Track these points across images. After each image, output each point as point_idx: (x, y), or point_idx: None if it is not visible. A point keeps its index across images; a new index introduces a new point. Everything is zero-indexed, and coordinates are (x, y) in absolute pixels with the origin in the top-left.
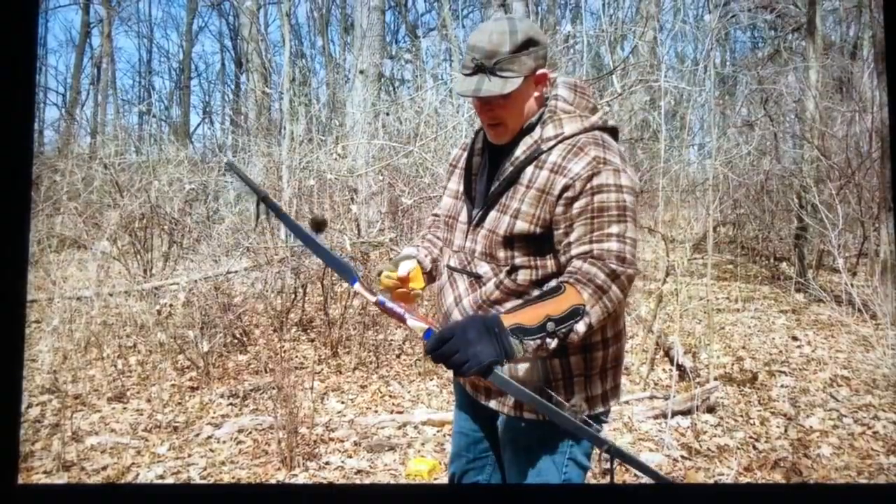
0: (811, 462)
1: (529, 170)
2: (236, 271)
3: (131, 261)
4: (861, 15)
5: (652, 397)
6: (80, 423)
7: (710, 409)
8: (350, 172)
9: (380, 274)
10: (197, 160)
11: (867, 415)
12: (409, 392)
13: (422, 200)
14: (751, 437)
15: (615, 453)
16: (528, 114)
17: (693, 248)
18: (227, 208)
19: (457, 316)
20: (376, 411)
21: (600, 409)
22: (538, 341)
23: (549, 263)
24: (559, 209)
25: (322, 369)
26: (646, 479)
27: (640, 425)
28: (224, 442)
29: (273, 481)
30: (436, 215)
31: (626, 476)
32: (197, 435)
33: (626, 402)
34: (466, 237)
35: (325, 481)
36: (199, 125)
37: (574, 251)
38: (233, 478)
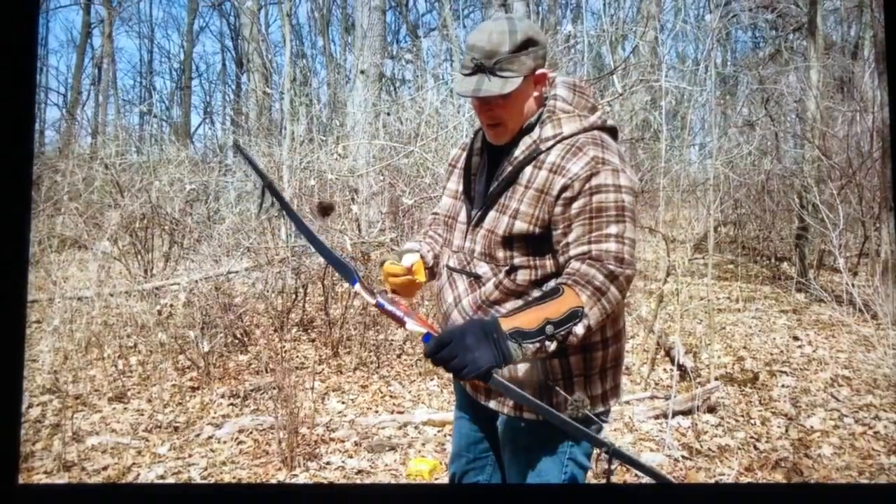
0: (812, 462)
1: (528, 170)
2: (237, 271)
3: (132, 261)
4: (862, 15)
5: (653, 397)
6: (81, 423)
7: (711, 409)
8: (351, 172)
9: (383, 264)
10: (198, 160)
11: (868, 415)
12: (409, 392)
13: (422, 200)
14: (752, 437)
15: (615, 454)
16: (527, 114)
17: (694, 248)
18: (228, 208)
19: (456, 316)
20: (377, 411)
21: (600, 409)
22: (537, 344)
23: (549, 263)
24: (558, 209)
25: (323, 369)
26: (646, 479)
27: (641, 425)
28: (225, 442)
29: (274, 481)
30: (436, 213)
31: (626, 476)
32: (197, 435)
33: (627, 402)
34: (466, 237)
35: (325, 481)
36: (199, 125)
37: (572, 252)
38: (233, 478)
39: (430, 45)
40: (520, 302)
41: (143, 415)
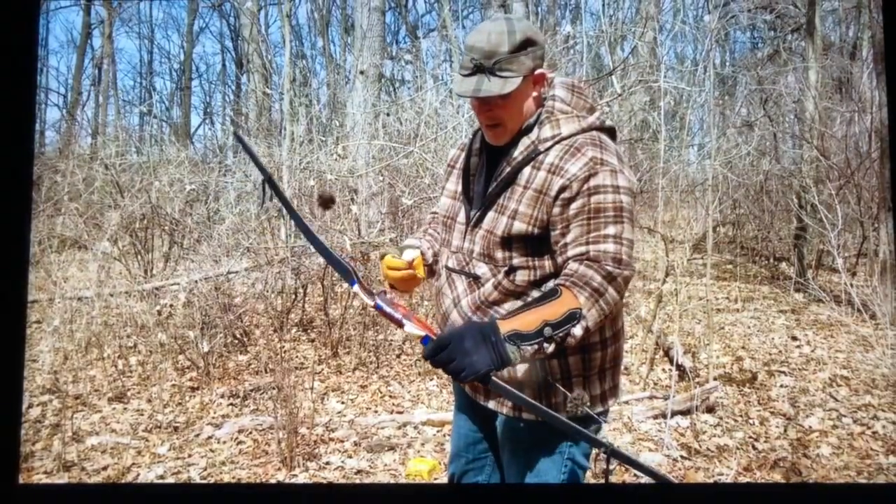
0: (810, 462)
1: (527, 170)
2: (237, 272)
3: (132, 261)
4: (860, 15)
5: (651, 397)
6: (81, 423)
7: (710, 409)
8: (350, 173)
9: (383, 257)
10: (198, 161)
11: (866, 415)
12: (409, 392)
13: (422, 201)
14: (750, 437)
15: (613, 453)
16: (526, 114)
17: (693, 249)
18: (228, 209)
19: (455, 316)
20: (376, 411)
21: (599, 409)
22: (535, 346)
23: (548, 264)
24: (556, 210)
25: (322, 369)
26: (645, 479)
27: (640, 425)
28: (224, 442)
29: (273, 481)
30: (434, 213)
31: (625, 476)
32: (197, 435)
33: (626, 402)
34: (464, 238)
35: (325, 481)
36: (199, 126)
37: (570, 252)
38: (233, 478)
39: (430, 45)
40: (519, 302)
41: (142, 415)
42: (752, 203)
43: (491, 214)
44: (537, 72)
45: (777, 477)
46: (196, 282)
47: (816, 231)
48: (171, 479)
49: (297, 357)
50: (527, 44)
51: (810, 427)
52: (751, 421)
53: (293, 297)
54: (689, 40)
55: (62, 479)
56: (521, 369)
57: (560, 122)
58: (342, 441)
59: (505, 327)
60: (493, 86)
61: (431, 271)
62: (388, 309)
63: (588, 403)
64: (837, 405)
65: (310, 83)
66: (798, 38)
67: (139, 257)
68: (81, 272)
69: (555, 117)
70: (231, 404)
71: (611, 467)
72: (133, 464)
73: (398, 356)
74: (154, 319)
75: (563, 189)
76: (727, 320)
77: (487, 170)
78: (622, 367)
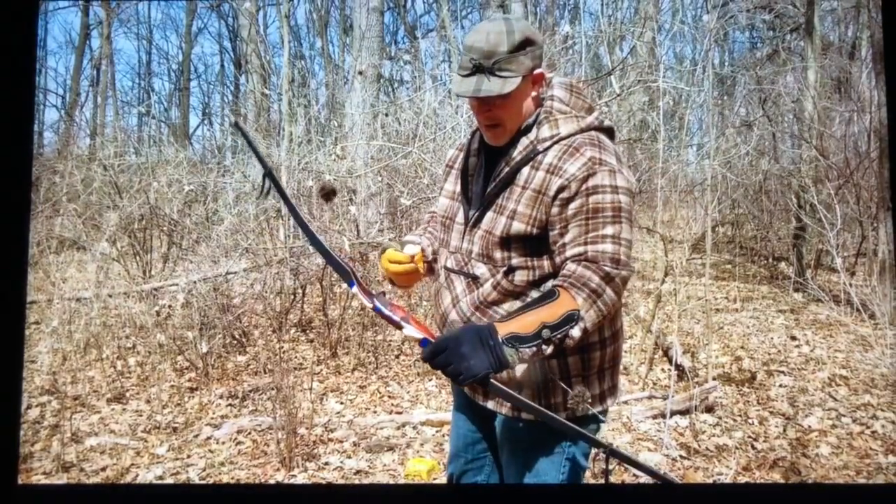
0: (810, 462)
1: (525, 170)
2: (235, 272)
3: (130, 262)
4: (859, 15)
5: (651, 397)
6: (80, 424)
7: (709, 409)
8: (349, 173)
9: (384, 251)
10: (196, 161)
11: (865, 414)
12: (407, 392)
13: (420, 201)
14: (749, 437)
15: (612, 453)
16: (525, 114)
17: (692, 248)
18: (227, 209)
19: (454, 317)
20: (375, 412)
21: (598, 409)
22: (534, 349)
23: (546, 264)
24: (555, 210)
25: (321, 370)
26: (645, 479)
27: (639, 425)
28: (223, 443)
29: (272, 482)
30: (433, 212)
31: (625, 476)
32: (196, 436)
33: (625, 402)
34: (463, 238)
35: (324, 482)
36: (198, 126)
37: (568, 252)
38: (232, 478)
39: (428, 46)
40: (518, 303)
41: (141, 415)
42: (751, 203)
43: (489, 215)
44: (536, 71)
45: (776, 476)
46: (195, 282)
47: (815, 231)
48: (170, 480)
49: (295, 357)
50: (526, 43)
51: (809, 427)
52: (750, 421)
53: (292, 297)
54: (687, 40)
55: (61, 479)
56: (520, 370)
57: (559, 122)
58: (341, 441)
59: (503, 330)
60: (493, 85)
61: (430, 269)
62: (386, 311)
63: (590, 400)
64: (836, 405)
65: (308, 84)
66: (797, 37)
67: (138, 258)
68: (80, 273)
69: (553, 117)
70: (230, 405)
71: (610, 467)
72: (132, 464)
73: (397, 356)
74: (153, 320)
75: (561, 189)
76: (726, 320)
77: (486, 170)
78: (621, 367)
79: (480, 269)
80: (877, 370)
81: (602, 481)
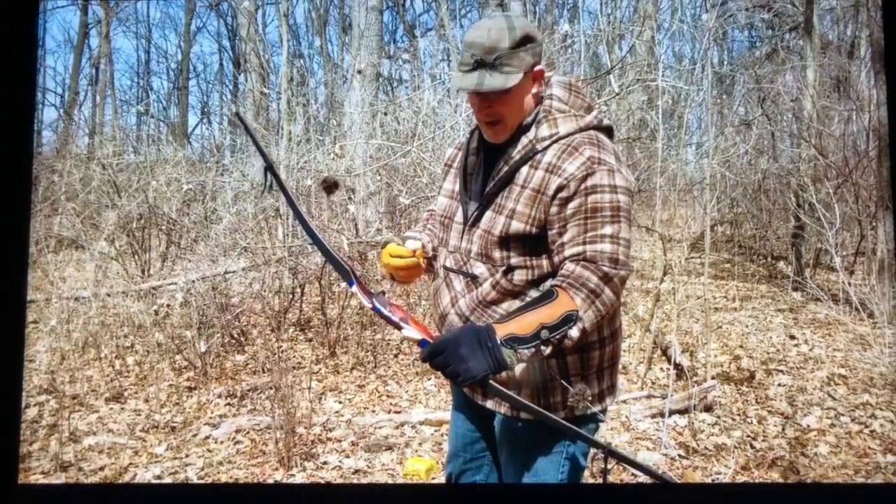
0: (808, 461)
1: (524, 170)
2: (234, 271)
3: (129, 261)
4: (858, 14)
5: (649, 396)
6: (78, 423)
7: (708, 408)
8: (348, 172)
9: (384, 245)
10: (195, 160)
11: (864, 413)
12: (406, 392)
13: (419, 200)
14: (748, 436)
15: (611, 453)
16: (526, 110)
17: (690, 247)
18: (225, 208)
19: (453, 317)
20: (374, 411)
21: (597, 408)
22: (532, 349)
23: (545, 263)
24: (553, 209)
25: (320, 369)
26: (643, 479)
27: (638, 424)
28: (222, 442)
29: (271, 481)
30: (431, 211)
31: (623, 475)
32: (195, 435)
33: (624, 402)
34: (462, 237)
35: (322, 481)
36: (197, 125)
37: (567, 252)
38: (230, 478)
39: (427, 44)
40: (517, 302)
41: (140, 415)
42: (750, 202)
43: (489, 214)
44: (536, 68)
45: (775, 476)
46: (193, 281)
47: (814, 230)
48: (168, 479)
49: (294, 357)
50: (526, 40)
51: (808, 426)
52: (748, 420)
53: (290, 296)
54: (686, 39)
55: (59, 479)
56: (519, 370)
57: (558, 121)
58: (340, 441)
59: (501, 331)
60: (495, 81)
61: (430, 266)
62: (385, 311)
63: (590, 398)
64: (835, 404)
65: (307, 82)
66: (796, 36)
67: (136, 257)
68: (78, 272)
69: (552, 116)
70: (228, 404)
71: (609, 467)
72: (130, 464)
73: (396, 356)
74: (151, 319)
75: (560, 188)
76: (725, 319)
77: (485, 169)
78: (620, 366)
79: (479, 269)
80: (875, 369)
81: (601, 481)
